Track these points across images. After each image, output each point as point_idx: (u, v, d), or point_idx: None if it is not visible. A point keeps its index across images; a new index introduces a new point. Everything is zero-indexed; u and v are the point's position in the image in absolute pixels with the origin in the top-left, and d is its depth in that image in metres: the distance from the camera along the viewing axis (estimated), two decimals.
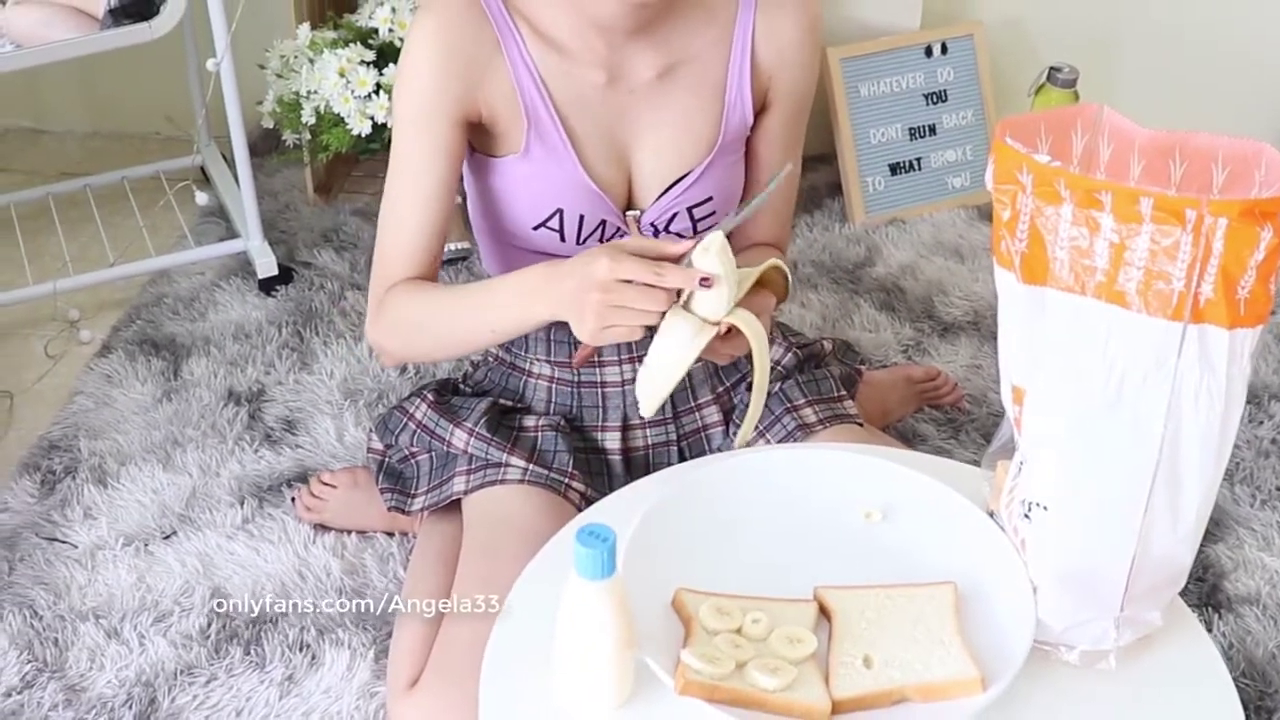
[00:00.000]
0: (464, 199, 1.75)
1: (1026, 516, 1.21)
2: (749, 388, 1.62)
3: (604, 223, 1.61)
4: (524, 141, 1.58)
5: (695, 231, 1.65)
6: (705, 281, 1.36)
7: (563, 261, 1.45)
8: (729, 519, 1.36)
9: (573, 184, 1.59)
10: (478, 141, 1.61)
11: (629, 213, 1.63)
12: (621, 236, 1.63)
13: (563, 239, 1.62)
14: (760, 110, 1.66)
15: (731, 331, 1.43)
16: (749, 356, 1.46)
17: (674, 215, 1.64)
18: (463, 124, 1.56)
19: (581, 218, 1.60)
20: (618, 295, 1.37)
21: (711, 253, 1.37)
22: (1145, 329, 1.08)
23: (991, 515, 1.30)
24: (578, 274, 1.40)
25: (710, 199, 1.64)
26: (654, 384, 1.45)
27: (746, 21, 1.60)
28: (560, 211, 1.60)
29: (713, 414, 1.77)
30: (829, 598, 1.25)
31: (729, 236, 1.42)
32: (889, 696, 1.15)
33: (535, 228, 1.62)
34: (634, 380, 1.73)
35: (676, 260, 1.39)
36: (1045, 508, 1.19)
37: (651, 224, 1.63)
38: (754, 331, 1.42)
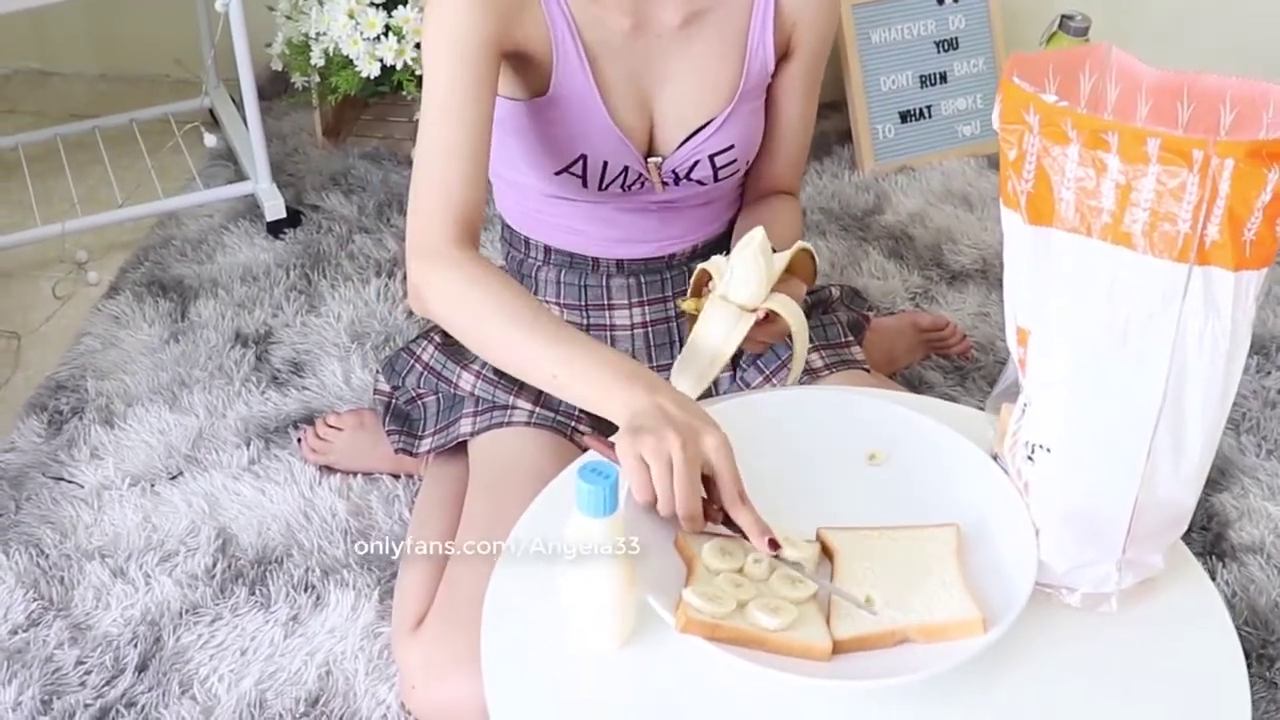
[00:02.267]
0: None
1: (1030, 458, 1.21)
2: None
3: (626, 169, 1.61)
4: (550, 84, 1.56)
5: (716, 179, 1.66)
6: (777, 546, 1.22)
7: (655, 404, 1.27)
8: None
9: (597, 129, 1.58)
10: (502, 84, 1.58)
11: (651, 159, 1.63)
12: (643, 184, 1.63)
13: (584, 184, 1.61)
14: (781, 58, 1.65)
15: (768, 317, 1.46)
16: (787, 340, 1.51)
17: (695, 163, 1.63)
18: (499, 60, 1.50)
19: (605, 164, 1.60)
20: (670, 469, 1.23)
21: (754, 245, 1.43)
22: (1151, 270, 1.07)
23: (995, 458, 1.30)
24: (660, 438, 1.23)
25: (731, 146, 1.64)
26: (695, 373, 1.46)
27: None
28: (584, 157, 1.59)
29: None
30: (831, 538, 1.25)
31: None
32: (890, 637, 1.16)
33: (557, 173, 1.61)
34: (643, 323, 1.74)
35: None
36: (1049, 449, 1.19)
37: (673, 171, 1.63)
38: (792, 314, 1.45)
